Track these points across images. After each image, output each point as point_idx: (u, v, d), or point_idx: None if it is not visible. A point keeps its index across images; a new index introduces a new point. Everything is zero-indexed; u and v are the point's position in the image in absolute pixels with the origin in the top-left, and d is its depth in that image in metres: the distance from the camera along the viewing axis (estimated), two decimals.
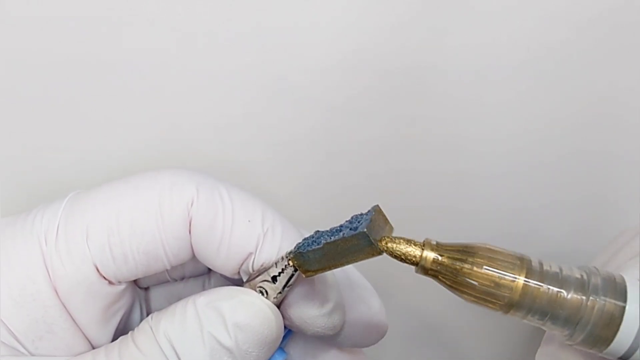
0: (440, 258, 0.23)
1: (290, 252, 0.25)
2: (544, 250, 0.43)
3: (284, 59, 0.36)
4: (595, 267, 0.23)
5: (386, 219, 0.24)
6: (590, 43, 0.38)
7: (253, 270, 0.27)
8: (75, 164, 0.36)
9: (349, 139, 0.39)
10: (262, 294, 0.26)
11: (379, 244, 0.23)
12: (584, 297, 0.22)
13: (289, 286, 0.26)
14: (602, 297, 0.22)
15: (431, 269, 0.23)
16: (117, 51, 0.34)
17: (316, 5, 0.35)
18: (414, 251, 0.23)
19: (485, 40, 0.37)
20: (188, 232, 0.27)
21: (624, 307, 0.22)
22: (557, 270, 0.23)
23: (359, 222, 0.23)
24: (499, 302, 0.23)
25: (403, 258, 0.23)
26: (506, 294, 0.23)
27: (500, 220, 0.43)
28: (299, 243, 0.25)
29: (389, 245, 0.23)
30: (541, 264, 0.23)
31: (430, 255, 0.23)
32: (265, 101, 0.37)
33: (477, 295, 0.23)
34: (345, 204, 0.40)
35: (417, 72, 0.37)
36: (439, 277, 0.23)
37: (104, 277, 0.26)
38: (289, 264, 0.25)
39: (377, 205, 0.24)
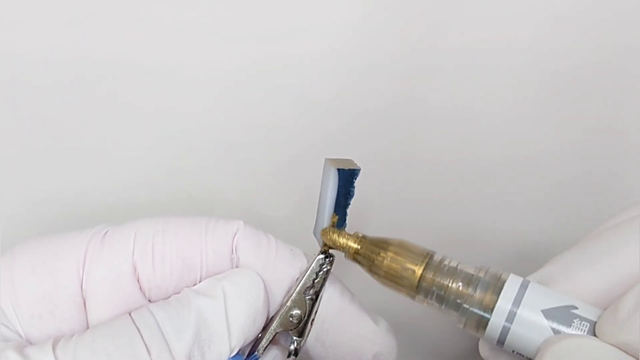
0: (360, 248, 0.28)
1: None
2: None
3: (285, 60, 0.36)
4: (490, 267, 0.27)
5: None
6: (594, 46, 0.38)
7: None
8: (76, 162, 0.37)
9: (349, 140, 0.39)
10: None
11: (321, 235, 0.29)
12: (466, 287, 0.27)
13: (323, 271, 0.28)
14: (481, 289, 0.26)
15: (354, 257, 0.29)
16: (116, 51, 0.34)
17: (318, 7, 0.35)
18: (343, 242, 0.29)
19: (487, 42, 0.37)
20: (229, 251, 0.28)
21: (495, 301, 0.26)
22: (454, 266, 0.27)
23: None
24: (403, 288, 0.28)
25: (335, 246, 0.29)
26: (407, 281, 0.27)
27: (499, 219, 0.43)
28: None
29: (329, 236, 0.29)
30: (442, 260, 0.27)
31: (353, 246, 0.28)
32: (267, 102, 0.37)
33: (386, 281, 0.28)
34: None
35: (419, 73, 0.38)
36: (360, 264, 0.29)
37: (138, 281, 0.27)
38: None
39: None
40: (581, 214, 0.43)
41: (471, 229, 0.43)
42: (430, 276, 0.27)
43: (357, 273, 0.35)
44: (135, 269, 0.27)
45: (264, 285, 0.28)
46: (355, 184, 0.28)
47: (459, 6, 0.36)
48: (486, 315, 0.26)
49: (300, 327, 0.28)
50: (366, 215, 0.41)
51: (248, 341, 0.27)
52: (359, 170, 0.28)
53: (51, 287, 0.26)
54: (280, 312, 0.28)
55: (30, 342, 0.26)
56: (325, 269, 0.28)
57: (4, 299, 0.26)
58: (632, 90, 0.40)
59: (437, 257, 0.28)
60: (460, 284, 0.27)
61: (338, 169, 0.27)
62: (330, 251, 0.28)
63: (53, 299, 0.26)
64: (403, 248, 0.28)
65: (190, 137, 0.37)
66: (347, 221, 0.28)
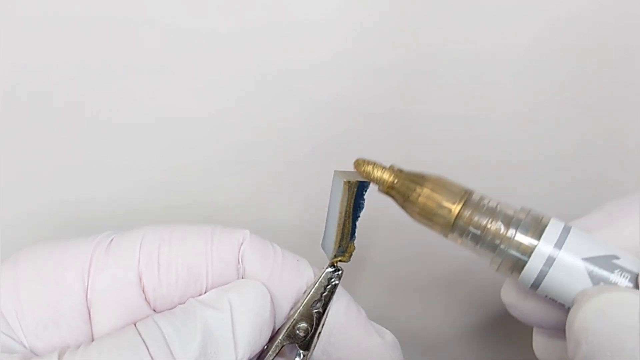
0: (395, 182, 0.27)
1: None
2: None
3: (290, 63, 0.36)
4: (531, 209, 0.26)
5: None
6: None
7: None
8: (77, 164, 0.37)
9: (355, 142, 0.39)
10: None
11: (355, 166, 0.28)
12: (505, 228, 0.26)
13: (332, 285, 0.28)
14: (521, 231, 0.25)
15: (387, 191, 0.28)
16: (118, 55, 0.34)
17: (322, 10, 0.35)
18: (378, 175, 0.27)
19: (488, 48, 0.37)
20: (235, 261, 0.28)
21: (535, 243, 0.25)
22: (494, 206, 0.26)
23: None
24: (438, 224, 0.26)
25: (370, 179, 0.28)
26: (442, 219, 0.26)
27: None
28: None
29: (363, 167, 0.28)
30: (482, 199, 0.27)
31: (389, 179, 0.27)
32: (271, 105, 0.37)
33: (420, 217, 0.27)
34: None
35: (424, 77, 0.38)
36: (393, 198, 0.28)
37: (143, 290, 0.27)
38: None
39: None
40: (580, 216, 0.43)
41: None
42: (468, 215, 0.26)
43: (363, 285, 0.35)
44: (140, 279, 0.27)
45: (271, 297, 0.27)
46: (365, 197, 0.28)
47: (463, 12, 0.36)
48: (524, 257, 0.25)
49: (307, 341, 0.28)
50: (370, 217, 0.41)
51: (254, 353, 0.27)
52: (369, 182, 0.27)
53: (56, 297, 0.26)
54: (287, 325, 0.28)
55: (34, 353, 0.26)
56: (333, 283, 0.28)
57: (8, 309, 0.26)
58: (631, 93, 0.40)
59: (476, 196, 0.27)
60: (499, 224, 0.26)
61: (347, 182, 0.27)
62: (339, 264, 0.28)
63: (58, 309, 0.26)
64: (440, 185, 0.27)
65: (195, 142, 0.37)
66: (356, 233, 0.28)
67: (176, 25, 0.34)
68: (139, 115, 0.36)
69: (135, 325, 0.26)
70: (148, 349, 0.24)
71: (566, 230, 0.25)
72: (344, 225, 0.28)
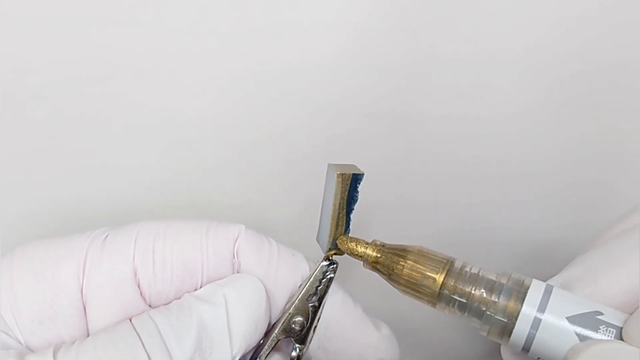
0: (379, 257, 0.28)
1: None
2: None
3: (289, 63, 0.36)
4: (512, 272, 0.27)
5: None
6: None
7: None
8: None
9: (354, 143, 0.39)
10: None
11: (339, 243, 0.28)
12: (489, 295, 0.26)
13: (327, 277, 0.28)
14: (504, 296, 0.26)
15: (373, 266, 0.28)
16: (119, 55, 0.34)
17: (323, 10, 0.35)
18: (362, 250, 0.28)
19: (490, 49, 0.37)
20: (230, 255, 0.28)
21: (519, 308, 0.25)
22: (476, 272, 0.27)
23: None
24: (424, 296, 0.27)
25: (353, 255, 0.28)
26: (428, 290, 0.27)
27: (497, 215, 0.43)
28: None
29: (346, 244, 0.28)
30: (463, 266, 0.27)
31: (372, 254, 0.28)
32: (271, 105, 0.37)
33: (407, 289, 0.28)
34: None
35: (424, 77, 0.38)
36: (379, 272, 0.28)
37: (138, 286, 0.27)
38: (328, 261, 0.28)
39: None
40: (582, 217, 0.43)
41: (473, 230, 0.43)
42: (452, 283, 0.27)
43: (359, 278, 0.34)
44: (135, 274, 0.27)
45: (266, 291, 0.27)
46: (359, 189, 0.27)
47: (463, 12, 0.36)
48: (511, 322, 0.25)
49: (303, 334, 0.28)
50: (371, 218, 0.41)
51: (250, 348, 0.27)
52: (363, 175, 0.27)
53: (52, 293, 0.26)
54: (283, 319, 0.27)
55: (30, 349, 0.26)
56: (328, 277, 0.28)
57: (4, 306, 0.26)
58: (631, 94, 0.40)
59: (457, 264, 0.27)
60: (482, 290, 0.26)
61: (341, 174, 0.27)
62: (334, 258, 0.28)
63: (54, 305, 0.26)
64: (423, 256, 0.27)
65: (195, 142, 0.37)
66: (350, 226, 0.28)
67: (176, 25, 0.34)
68: (139, 116, 0.36)
69: (130, 320, 0.26)
70: (143, 344, 0.24)
71: (548, 291, 0.26)
72: (338, 218, 0.28)
